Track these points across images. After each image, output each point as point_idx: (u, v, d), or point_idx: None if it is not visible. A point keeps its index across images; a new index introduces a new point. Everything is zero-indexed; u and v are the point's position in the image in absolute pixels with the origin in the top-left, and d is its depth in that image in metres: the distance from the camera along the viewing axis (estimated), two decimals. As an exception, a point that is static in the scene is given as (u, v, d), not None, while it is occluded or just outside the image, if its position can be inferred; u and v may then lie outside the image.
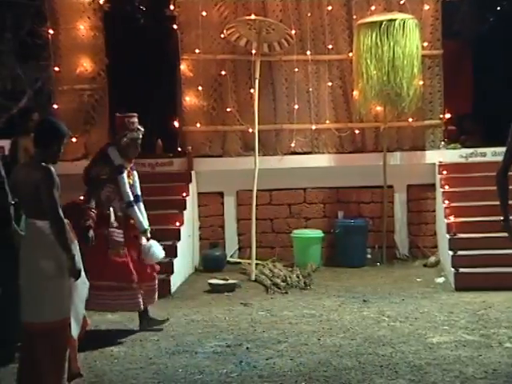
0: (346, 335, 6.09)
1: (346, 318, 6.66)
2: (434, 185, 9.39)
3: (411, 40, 8.87)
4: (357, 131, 9.63)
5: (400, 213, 9.59)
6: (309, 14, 9.50)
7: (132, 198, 6.16)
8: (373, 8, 9.42)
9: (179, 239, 8.45)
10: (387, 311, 6.85)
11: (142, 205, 6.31)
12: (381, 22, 8.87)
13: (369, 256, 9.32)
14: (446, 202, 8.74)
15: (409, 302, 7.16)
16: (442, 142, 9.64)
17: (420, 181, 9.53)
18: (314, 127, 9.57)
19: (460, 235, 8.26)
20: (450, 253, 8.05)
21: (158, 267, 6.48)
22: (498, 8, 11.35)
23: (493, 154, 9.22)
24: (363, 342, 5.86)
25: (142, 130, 6.30)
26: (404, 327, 6.28)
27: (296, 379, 5.01)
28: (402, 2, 9.35)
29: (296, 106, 9.51)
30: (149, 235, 6.28)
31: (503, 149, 8.85)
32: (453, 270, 7.80)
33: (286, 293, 7.80)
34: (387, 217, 9.41)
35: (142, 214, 6.25)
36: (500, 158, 8.74)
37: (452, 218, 8.48)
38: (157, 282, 6.44)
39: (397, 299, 7.30)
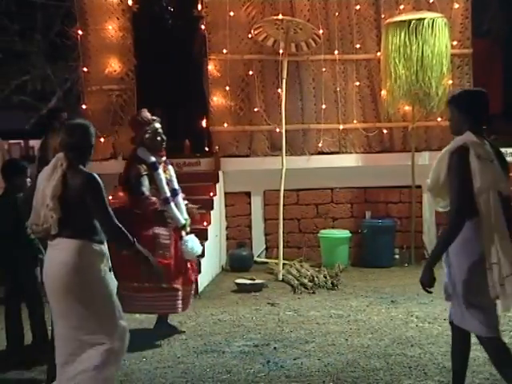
0: (373, 336, 6.06)
1: (373, 319, 6.62)
2: (462, 184, 9.30)
3: (440, 39, 8.81)
4: (385, 131, 9.59)
5: (428, 213, 9.53)
6: (336, 14, 9.48)
7: (169, 194, 6.13)
8: (401, 7, 9.38)
9: (206, 239, 8.47)
10: (415, 312, 6.81)
11: (180, 197, 6.29)
12: (409, 21, 8.82)
13: (397, 256, 9.27)
14: (475, 202, 8.65)
15: (437, 303, 7.08)
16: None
17: (448, 181, 9.43)
18: (341, 127, 9.54)
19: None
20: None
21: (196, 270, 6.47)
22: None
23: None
24: (391, 343, 5.82)
25: (158, 118, 6.27)
26: (433, 328, 6.24)
27: (323, 380, 4.99)
28: (431, 1, 9.30)
29: (323, 106, 9.49)
30: (188, 229, 6.25)
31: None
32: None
33: (314, 293, 7.78)
34: (415, 217, 9.36)
35: (179, 208, 6.21)
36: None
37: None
38: (194, 286, 6.42)
39: (425, 300, 7.23)
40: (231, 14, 9.39)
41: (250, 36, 9.32)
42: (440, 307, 6.91)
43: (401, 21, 8.92)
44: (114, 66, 9.59)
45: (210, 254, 8.57)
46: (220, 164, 9.43)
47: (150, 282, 5.71)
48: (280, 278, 8.39)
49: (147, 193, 6.01)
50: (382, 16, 9.37)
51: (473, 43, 9.47)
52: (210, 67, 9.52)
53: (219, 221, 9.26)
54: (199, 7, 9.52)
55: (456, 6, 9.33)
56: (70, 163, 3.91)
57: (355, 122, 9.55)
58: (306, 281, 8.04)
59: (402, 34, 8.81)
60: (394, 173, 9.33)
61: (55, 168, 3.89)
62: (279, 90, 9.11)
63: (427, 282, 3.90)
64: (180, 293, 6.06)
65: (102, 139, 9.23)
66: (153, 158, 6.13)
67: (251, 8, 9.45)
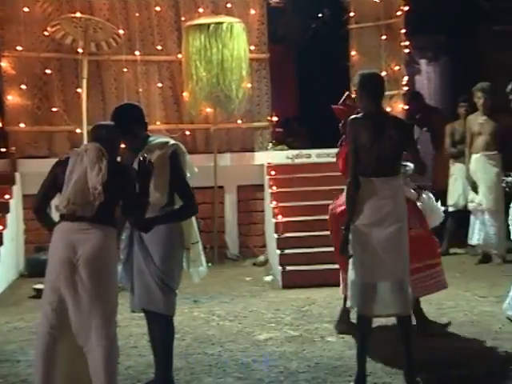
0: (176, 336, 6.04)
1: (176, 319, 6.55)
2: (262, 185, 9.62)
3: (239, 43, 9.05)
4: (187, 132, 9.67)
5: (230, 213, 9.74)
6: (137, 14, 9.42)
7: None
8: (201, 10, 9.50)
9: (2, 243, 8.08)
10: (217, 311, 6.93)
11: None
12: (209, 25, 8.97)
13: (200, 256, 9.36)
14: (274, 202, 8.98)
15: (238, 301, 7.29)
16: (270, 144, 9.90)
17: (249, 181, 9.73)
18: (144, 128, 9.48)
19: (287, 234, 8.52)
20: (278, 252, 8.28)
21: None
22: (320, 15, 11.87)
23: (317, 155, 9.61)
24: (192, 342, 5.89)
25: None
26: (233, 326, 6.39)
27: (124, 383, 4.93)
28: (228, 6, 9.51)
29: (125, 107, 9.37)
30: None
31: (327, 150, 9.42)
32: (280, 268, 8.03)
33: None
34: (218, 217, 9.53)
35: None
36: (324, 160, 9.32)
37: (279, 218, 8.73)
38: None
39: (227, 299, 7.40)
40: (25, 9, 9.02)
41: (46, 33, 9.00)
42: (240, 305, 7.11)
43: (200, 24, 9.05)
44: None
45: (6, 259, 8.17)
46: (17, 165, 9.03)
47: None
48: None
49: None
50: (182, 18, 9.45)
51: (269, 48, 9.81)
52: (4, 64, 9.09)
53: (16, 224, 8.85)
54: (-8, 1, 9.07)
55: (252, 11, 9.63)
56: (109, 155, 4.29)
57: (158, 123, 9.54)
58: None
59: (202, 37, 8.94)
60: (197, 174, 9.39)
61: (100, 157, 4.21)
62: (79, 90, 8.89)
63: None
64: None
65: None
66: None
67: (47, 4, 9.14)
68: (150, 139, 4.62)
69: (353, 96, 5.83)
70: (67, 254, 4.16)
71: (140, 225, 4.43)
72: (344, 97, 5.86)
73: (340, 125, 5.69)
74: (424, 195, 5.94)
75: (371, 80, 4.73)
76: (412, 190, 5.84)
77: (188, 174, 4.66)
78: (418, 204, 5.76)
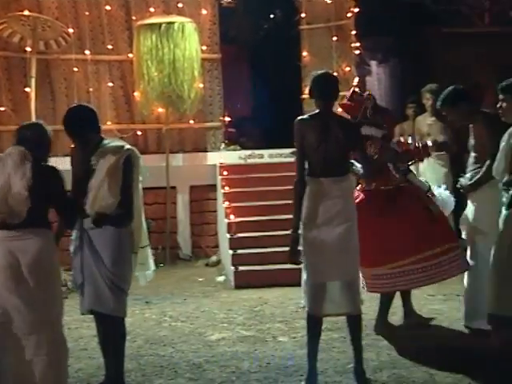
0: (127, 338, 6.02)
1: (127, 321, 6.49)
2: (215, 185, 9.61)
3: (190, 43, 9.04)
4: (139, 132, 9.61)
5: (183, 213, 9.71)
6: (87, 13, 9.34)
7: None
8: (152, 10, 9.45)
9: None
10: (169, 312, 6.91)
11: None
12: (160, 25, 8.94)
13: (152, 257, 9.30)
14: (227, 202, 8.98)
15: (190, 302, 7.27)
16: (223, 144, 9.90)
17: (202, 182, 9.71)
18: (95, 128, 9.39)
19: (239, 234, 8.53)
20: (230, 252, 8.29)
21: None
22: (271, 16, 11.93)
23: (269, 155, 9.65)
24: (144, 344, 5.86)
25: None
26: (185, 327, 6.37)
27: (74, 386, 4.89)
28: (180, 6, 9.47)
29: (76, 106, 9.27)
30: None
31: (280, 151, 9.46)
32: (232, 268, 8.04)
33: (66, 297, 7.55)
34: (170, 218, 9.49)
35: None
36: (277, 160, 9.37)
37: (232, 218, 8.74)
38: None
39: (179, 299, 7.38)
40: (-30, 7, 8.88)
41: (-7, 32, 8.85)
42: (193, 305, 7.10)
43: (152, 23, 9.01)
44: None
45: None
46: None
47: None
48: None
49: None
50: (133, 18, 9.39)
51: (221, 49, 9.81)
52: (-51, 63, 8.93)
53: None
54: None
55: (204, 12, 9.62)
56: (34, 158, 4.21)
57: (109, 123, 9.45)
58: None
59: (154, 37, 8.90)
60: (149, 174, 9.32)
61: (22, 160, 4.14)
62: (28, 89, 8.75)
63: None
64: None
65: None
66: None
67: (-7, 2, 9.00)
68: (104, 142, 4.57)
69: (357, 90, 5.90)
70: (8, 261, 4.10)
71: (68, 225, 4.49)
72: (351, 92, 5.83)
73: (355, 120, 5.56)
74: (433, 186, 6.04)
75: (320, 80, 4.77)
76: (422, 179, 5.97)
77: (141, 178, 4.63)
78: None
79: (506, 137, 4.79)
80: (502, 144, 4.79)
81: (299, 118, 4.78)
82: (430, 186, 5.89)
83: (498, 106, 4.99)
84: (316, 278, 4.63)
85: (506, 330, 4.76)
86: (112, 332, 4.66)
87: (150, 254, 4.87)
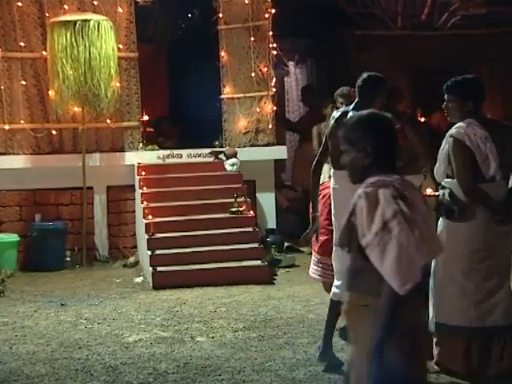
0: (40, 341, 5.91)
1: (41, 324, 6.46)
2: (133, 186, 9.49)
3: (107, 41, 8.87)
4: (54, 132, 9.38)
5: (100, 214, 9.55)
6: (-3, 9, 9.08)
7: None
8: (66, 7, 9.24)
9: None
10: (85, 314, 6.78)
11: None
12: (75, 22, 8.75)
13: (68, 259, 9.13)
14: (145, 202, 8.89)
15: (107, 303, 7.16)
16: (141, 144, 9.79)
17: (120, 182, 9.57)
18: (7, 127, 9.15)
19: (158, 235, 8.45)
20: (149, 252, 8.21)
21: None
22: (189, 15, 11.89)
23: (188, 155, 9.61)
24: (58, 347, 5.74)
25: None
26: (101, 329, 6.28)
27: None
28: (95, 3, 9.31)
29: (-13, 105, 9.02)
30: None
31: (198, 150, 9.44)
32: (151, 269, 7.96)
33: None
34: (87, 218, 9.33)
35: None
36: (195, 160, 9.35)
37: (150, 218, 8.65)
38: None
39: (95, 301, 7.25)
40: None
41: None
42: (109, 307, 7.00)
43: (66, 21, 8.79)
44: None
45: None
46: None
47: None
48: None
49: None
50: (47, 15, 9.16)
51: (139, 47, 9.69)
52: None
53: None
54: None
55: (120, 10, 9.46)
56: None
57: (22, 122, 9.21)
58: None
59: (68, 35, 8.69)
60: (65, 174, 9.18)
61: None
62: None
63: None
64: None
65: None
66: None
67: None
68: None
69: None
70: None
71: None
72: None
73: None
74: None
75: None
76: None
77: None
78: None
79: (443, 143, 4.87)
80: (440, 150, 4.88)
81: None
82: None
83: (444, 106, 4.97)
84: None
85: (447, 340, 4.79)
86: None
87: None
